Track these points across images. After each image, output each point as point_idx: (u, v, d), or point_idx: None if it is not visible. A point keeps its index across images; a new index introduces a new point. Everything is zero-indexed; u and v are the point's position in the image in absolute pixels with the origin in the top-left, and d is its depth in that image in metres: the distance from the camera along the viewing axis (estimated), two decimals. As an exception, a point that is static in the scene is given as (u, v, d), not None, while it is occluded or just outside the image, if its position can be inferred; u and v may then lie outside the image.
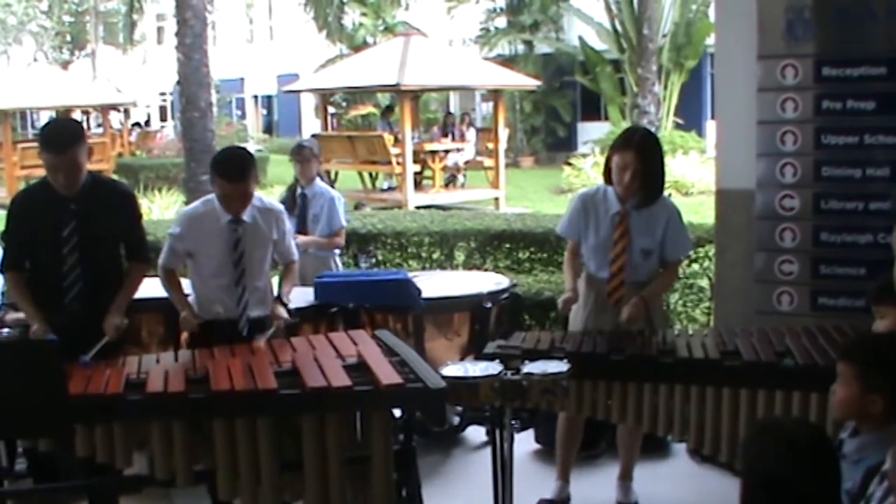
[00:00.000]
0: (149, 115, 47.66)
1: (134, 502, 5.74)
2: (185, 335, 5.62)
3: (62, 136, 5.09)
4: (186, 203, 16.21)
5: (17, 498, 5.87)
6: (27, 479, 5.65)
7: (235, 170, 5.31)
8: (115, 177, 25.25)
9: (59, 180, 5.03)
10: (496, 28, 33.33)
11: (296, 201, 7.49)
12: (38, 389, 3.78)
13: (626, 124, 25.61)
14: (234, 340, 5.12)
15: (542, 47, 32.55)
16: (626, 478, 5.84)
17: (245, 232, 5.36)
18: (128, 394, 4.36)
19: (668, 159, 22.67)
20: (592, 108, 32.06)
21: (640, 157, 5.39)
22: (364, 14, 35.14)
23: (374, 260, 7.59)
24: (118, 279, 5.29)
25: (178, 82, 16.53)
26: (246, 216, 5.35)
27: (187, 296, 5.52)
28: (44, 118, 40.01)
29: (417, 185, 21.87)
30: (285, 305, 5.46)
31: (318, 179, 7.61)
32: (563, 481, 5.84)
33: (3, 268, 5.34)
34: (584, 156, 24.81)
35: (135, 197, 5.53)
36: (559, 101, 32.34)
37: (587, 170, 21.94)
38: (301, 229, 7.40)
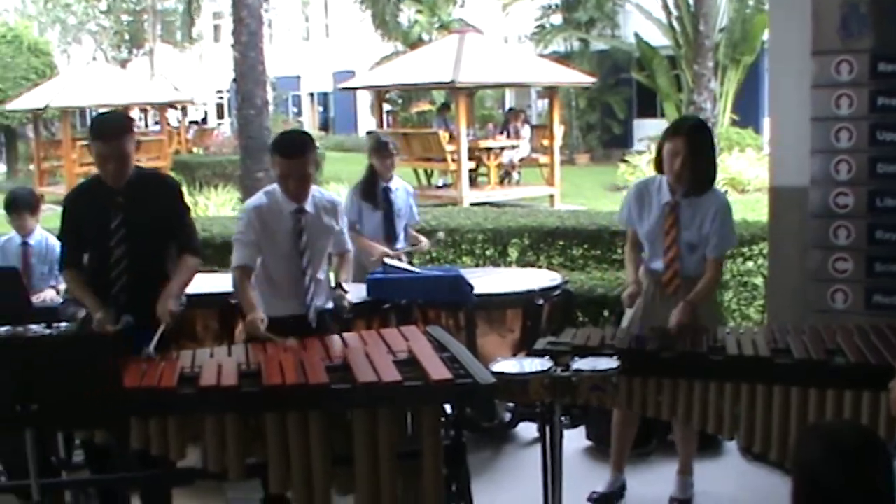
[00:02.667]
0: (206, 113, 48.03)
1: (186, 495, 5.83)
2: (239, 330, 5.66)
3: (111, 125, 5.20)
4: (242, 200, 16.33)
5: (74, 488, 5.97)
6: (84, 470, 5.74)
7: (293, 146, 5.38)
8: (172, 174, 25.58)
9: (108, 169, 5.11)
10: (551, 25, 33.19)
11: (377, 195, 7.54)
12: (94, 382, 3.84)
13: (682, 121, 25.46)
14: (304, 334, 5.15)
15: (597, 44, 32.39)
16: (684, 472, 5.83)
17: (308, 222, 5.42)
18: (181, 388, 4.42)
19: (724, 156, 22.71)
20: (648, 105, 31.87)
21: (690, 144, 5.39)
22: (420, 11, 35.17)
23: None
24: (164, 272, 5.31)
25: (235, 80, 16.65)
26: (308, 206, 5.41)
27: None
28: (103, 116, 40.50)
29: (472, 182, 21.87)
30: (346, 292, 5.52)
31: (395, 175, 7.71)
32: (618, 472, 5.90)
33: (62, 265, 5.44)
34: (640, 153, 24.68)
35: (180, 188, 5.56)
36: (615, 98, 32.19)
37: (643, 167, 21.80)
38: (388, 223, 7.51)
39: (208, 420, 4.37)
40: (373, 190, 7.53)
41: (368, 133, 24.76)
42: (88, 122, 40.93)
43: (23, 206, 6.98)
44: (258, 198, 5.60)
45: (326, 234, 5.55)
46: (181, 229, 5.40)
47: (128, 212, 5.16)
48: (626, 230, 5.90)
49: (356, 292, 6.49)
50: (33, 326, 5.88)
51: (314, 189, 5.52)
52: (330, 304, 5.54)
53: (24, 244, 7.02)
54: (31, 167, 27.96)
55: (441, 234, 7.73)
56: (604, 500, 5.81)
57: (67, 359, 3.85)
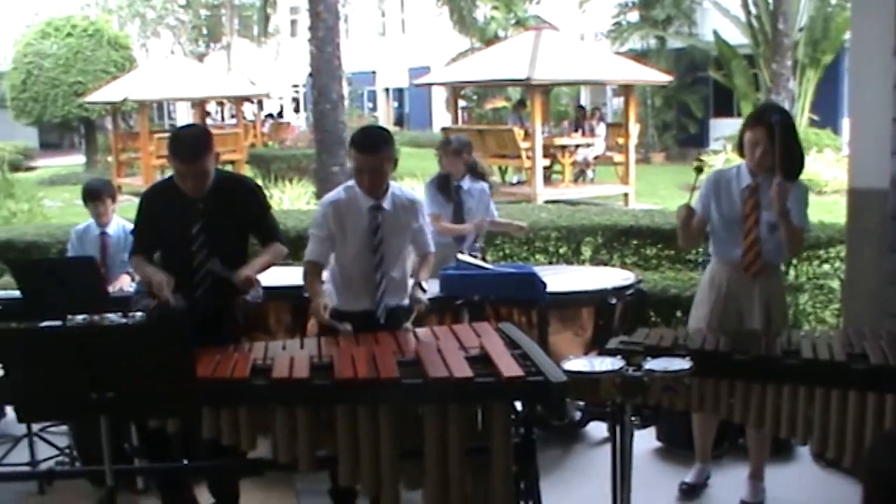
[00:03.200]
0: (281, 107, 48.38)
1: (256, 486, 5.89)
2: (311, 323, 5.69)
3: (192, 144, 5.16)
4: (317, 194, 16.42)
5: (146, 475, 6.06)
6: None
7: (369, 141, 5.38)
8: (247, 167, 25.84)
9: (187, 186, 5.16)
10: (628, 22, 33.01)
11: (450, 192, 7.55)
12: (167, 372, 3.88)
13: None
14: (372, 330, 5.17)
15: (674, 42, 32.15)
16: (756, 477, 5.79)
17: (385, 219, 5.40)
18: (253, 379, 4.46)
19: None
20: (725, 104, 31.55)
21: (771, 135, 5.39)
22: (496, 8, 35.15)
23: (480, 248, 7.62)
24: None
25: (311, 74, 16.74)
26: (386, 204, 5.40)
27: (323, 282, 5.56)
28: (180, 109, 41.03)
29: (547, 180, 21.81)
30: (424, 290, 5.47)
31: (469, 174, 7.62)
32: (703, 463, 5.94)
33: (131, 253, 5.54)
34: (716, 152, 24.47)
35: (260, 189, 5.61)
36: (691, 97, 31.93)
37: (719, 167, 21.58)
38: (457, 220, 7.50)
39: (279, 411, 4.40)
40: (446, 185, 7.55)
41: (443, 129, 24.75)
42: (166, 115, 41.41)
43: (101, 196, 7.08)
44: (336, 193, 5.61)
45: (403, 233, 5.52)
46: (265, 226, 5.49)
47: (208, 218, 5.22)
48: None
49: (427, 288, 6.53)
50: (109, 315, 5.97)
51: (395, 187, 5.52)
52: (405, 302, 5.53)
53: (102, 233, 7.13)
54: (110, 158, 28.34)
55: (480, 243, 7.72)
56: (692, 491, 5.88)
57: (142, 348, 3.90)
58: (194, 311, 5.13)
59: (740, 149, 5.65)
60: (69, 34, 29.89)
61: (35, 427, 6.48)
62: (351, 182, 5.50)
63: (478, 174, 7.68)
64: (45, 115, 29.99)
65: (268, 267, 5.44)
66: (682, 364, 4.50)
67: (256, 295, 5.40)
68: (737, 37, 28.94)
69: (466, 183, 7.55)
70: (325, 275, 5.62)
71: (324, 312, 5.18)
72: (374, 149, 5.33)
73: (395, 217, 5.43)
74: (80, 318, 5.90)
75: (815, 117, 27.87)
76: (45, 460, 6.42)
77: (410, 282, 5.57)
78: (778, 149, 5.37)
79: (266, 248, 5.47)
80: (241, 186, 5.54)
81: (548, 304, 6.36)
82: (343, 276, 5.52)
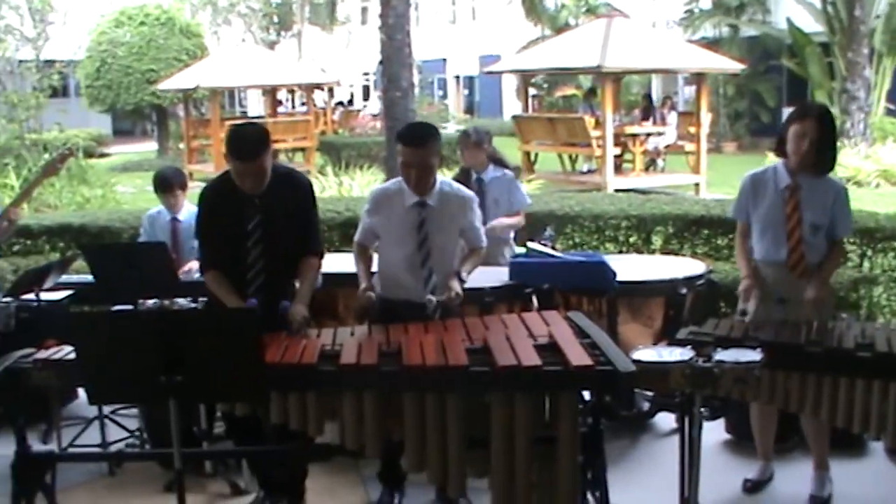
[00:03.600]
0: (352, 95, 48.54)
1: (323, 471, 5.93)
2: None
3: (250, 144, 5.14)
4: (386, 181, 16.45)
5: (214, 458, 6.12)
6: (225, 441, 5.86)
7: (414, 135, 5.39)
8: (317, 154, 25.97)
9: (245, 184, 5.17)
10: (700, 10, 32.66)
11: (471, 187, 7.49)
12: (236, 356, 3.90)
13: (834, 110, 24.82)
14: (413, 321, 5.15)
15: (747, 30, 31.74)
16: (821, 467, 5.72)
17: (429, 215, 5.40)
18: (321, 364, 4.49)
19: (877, 146, 22.05)
20: (799, 93, 31.05)
21: (819, 127, 5.39)
22: (567, -5, 35.01)
23: (551, 237, 7.55)
24: (295, 269, 5.40)
25: (381, 62, 16.73)
26: (432, 200, 5.40)
27: (373, 273, 5.60)
28: (251, 97, 41.32)
29: (617, 169, 21.65)
30: (462, 281, 5.42)
31: (491, 164, 7.48)
32: (765, 461, 5.90)
33: (202, 268, 5.55)
34: (789, 142, 24.13)
35: (311, 187, 5.60)
36: (764, 86, 31.52)
37: (792, 156, 21.32)
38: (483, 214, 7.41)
39: (347, 397, 4.42)
40: (467, 181, 7.48)
41: (513, 117, 24.69)
42: (237, 102, 41.67)
43: (172, 185, 7.15)
44: (389, 183, 5.69)
45: (451, 230, 5.51)
46: (309, 229, 5.47)
47: (265, 213, 5.24)
48: (738, 223, 5.83)
49: (496, 276, 6.52)
50: (180, 300, 6.03)
51: (446, 182, 5.53)
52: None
53: (174, 219, 7.18)
54: (181, 146, 28.59)
55: (550, 231, 7.63)
56: (755, 488, 5.82)
57: (212, 332, 3.92)
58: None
59: (778, 147, 5.58)
60: (142, 23, 30.18)
61: (106, 409, 6.57)
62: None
63: (500, 164, 7.59)
64: (118, 102, 30.31)
65: (313, 290, 5.42)
66: (752, 356, 4.45)
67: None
68: (811, 24, 28.49)
69: (488, 174, 7.40)
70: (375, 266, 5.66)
71: (366, 297, 5.27)
72: (420, 143, 5.33)
73: (441, 213, 5.42)
74: (150, 302, 5.97)
75: (892, 106, 27.42)
76: (115, 442, 6.51)
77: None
78: (819, 141, 5.38)
79: (304, 270, 5.40)
80: (297, 182, 5.51)
81: (617, 293, 6.33)
82: (389, 268, 5.55)
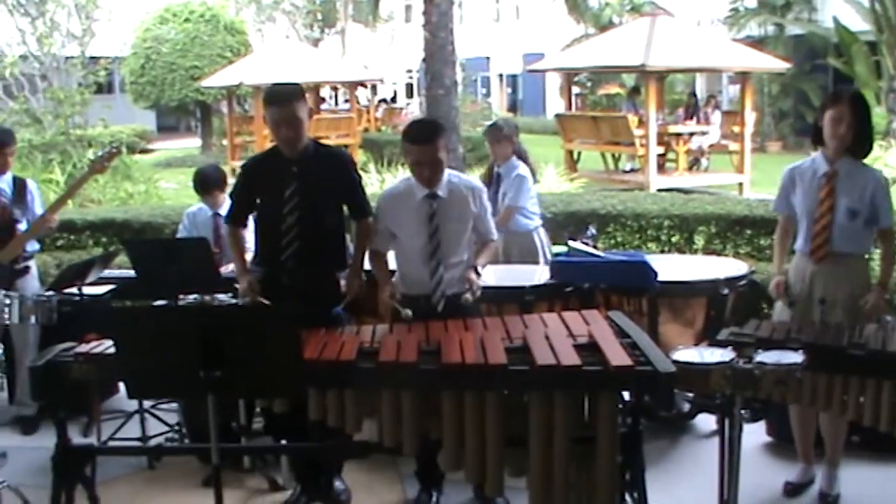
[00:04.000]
0: (395, 92, 48.60)
1: (361, 468, 5.93)
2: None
3: (284, 91, 5.40)
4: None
5: (252, 454, 6.14)
6: (264, 437, 5.88)
7: (422, 133, 5.46)
8: (360, 151, 26.03)
9: (281, 134, 5.33)
10: (746, 8, 32.42)
11: (492, 179, 7.60)
12: (274, 352, 3.90)
13: (880, 110, 24.60)
14: (429, 317, 5.19)
15: (793, 28, 31.45)
16: (833, 465, 5.73)
17: (440, 206, 5.46)
18: (360, 361, 4.48)
19: (923, 147, 21.72)
20: (845, 93, 30.83)
21: (853, 109, 5.42)
22: (611, -7, 34.88)
23: (592, 236, 7.53)
24: (335, 241, 5.57)
25: (424, 60, 16.74)
26: (441, 191, 5.46)
27: (392, 273, 5.66)
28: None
29: (660, 168, 21.55)
30: (479, 274, 5.47)
31: (514, 158, 7.68)
32: (806, 464, 5.85)
33: (227, 219, 5.78)
34: (835, 142, 23.90)
35: (353, 161, 5.76)
36: (809, 85, 31.22)
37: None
38: (494, 205, 7.43)
39: (385, 395, 4.42)
40: (488, 174, 7.68)
41: (556, 116, 24.63)
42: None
43: (213, 185, 7.21)
44: (395, 184, 5.81)
45: (461, 220, 5.55)
46: (356, 199, 5.62)
47: (302, 181, 5.37)
48: (780, 217, 5.88)
49: (537, 274, 6.51)
50: (220, 296, 6.06)
51: (451, 174, 5.57)
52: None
53: (216, 214, 7.21)
54: (225, 142, 28.73)
55: (592, 230, 7.62)
56: (795, 491, 5.79)
57: (251, 328, 3.93)
58: (281, 276, 5.36)
59: (815, 136, 5.60)
60: (187, 19, 30.35)
61: (146, 404, 6.62)
62: (410, 176, 5.57)
63: (522, 159, 7.74)
64: (162, 98, 30.49)
65: (364, 254, 5.62)
66: (794, 357, 4.41)
67: (348, 299, 5.52)
68: (858, 23, 28.18)
69: (506, 168, 7.63)
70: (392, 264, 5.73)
71: (392, 300, 5.32)
72: (428, 139, 5.39)
73: (450, 203, 5.48)
74: (191, 297, 6.01)
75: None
76: (155, 436, 6.55)
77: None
78: (855, 123, 5.41)
79: (359, 233, 5.66)
80: (337, 156, 5.72)
81: (658, 293, 6.29)
82: (405, 261, 5.61)
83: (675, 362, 4.39)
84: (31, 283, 7.18)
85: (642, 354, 4.38)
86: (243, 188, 5.65)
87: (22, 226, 7.07)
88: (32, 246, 7.27)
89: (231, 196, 5.89)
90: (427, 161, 5.37)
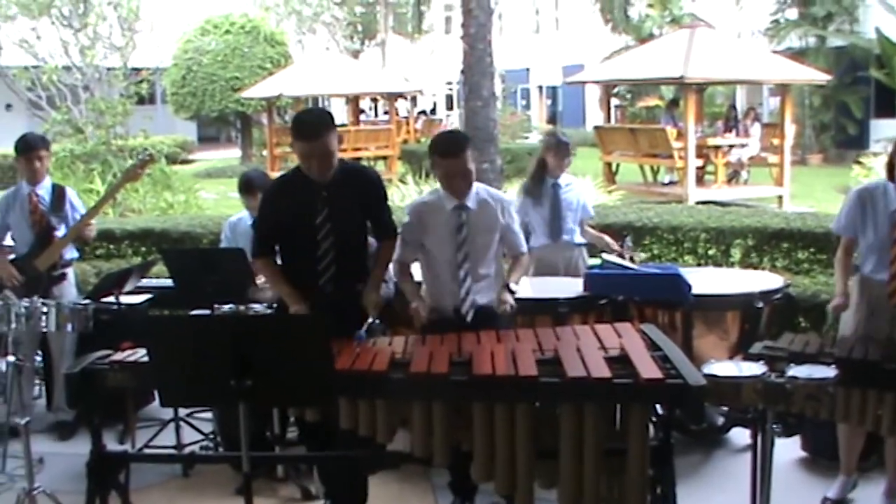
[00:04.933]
0: (434, 104, 48.69)
1: (392, 479, 5.95)
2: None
3: (314, 124, 5.23)
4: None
5: (284, 463, 6.17)
6: (297, 446, 5.91)
7: (451, 146, 5.47)
8: (399, 162, 26.10)
9: (312, 167, 5.21)
10: (787, 20, 32.22)
11: (543, 191, 7.52)
12: (306, 362, 3.93)
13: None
14: (459, 328, 5.20)
15: (834, 40, 31.22)
16: (892, 496, 5.62)
17: (469, 217, 5.48)
18: (392, 372, 4.50)
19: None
20: (887, 105, 30.51)
21: None
22: (651, 5, 34.76)
23: (630, 247, 7.53)
24: (364, 257, 5.51)
25: (463, 71, 16.76)
26: (470, 203, 5.48)
27: (419, 284, 5.68)
28: (335, 105, 41.60)
29: (699, 181, 21.49)
30: (512, 293, 5.48)
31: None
32: (847, 476, 5.78)
33: (254, 255, 5.62)
34: (876, 154, 23.63)
35: (381, 180, 5.68)
36: (851, 97, 30.99)
37: (878, 169, 20.92)
38: (554, 219, 7.43)
39: (416, 406, 4.43)
40: (539, 186, 7.51)
41: (595, 128, 24.60)
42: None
43: (257, 187, 7.21)
44: (422, 197, 5.85)
45: (489, 231, 5.58)
46: (381, 218, 5.56)
47: (333, 206, 5.29)
48: (842, 238, 5.75)
49: (571, 287, 6.51)
50: (255, 306, 6.10)
51: (480, 186, 5.61)
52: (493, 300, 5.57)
53: (255, 224, 7.25)
54: (265, 153, 28.92)
55: (629, 241, 7.59)
56: None
57: (282, 337, 3.95)
58: (319, 302, 5.21)
59: (890, 171, 5.43)
60: (227, 31, 30.59)
61: (181, 412, 6.66)
62: (438, 187, 5.61)
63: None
64: (202, 109, 30.72)
65: (385, 273, 5.59)
66: (826, 372, 4.40)
67: (388, 291, 5.47)
68: (902, 35, 27.99)
69: (563, 180, 7.55)
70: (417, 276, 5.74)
71: (422, 313, 5.33)
72: (461, 151, 5.42)
73: (479, 215, 5.51)
74: (226, 307, 6.04)
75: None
76: (189, 445, 6.60)
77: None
78: None
79: (381, 253, 5.58)
80: (364, 174, 5.63)
81: (692, 305, 6.28)
82: (433, 273, 5.63)
83: (707, 376, 4.39)
84: (69, 291, 7.26)
85: (673, 367, 4.37)
86: (269, 215, 5.47)
87: (59, 233, 7.16)
88: (71, 254, 7.36)
89: (254, 227, 5.76)
90: (457, 173, 5.41)
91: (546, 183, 7.49)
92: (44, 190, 7.22)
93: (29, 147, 7.17)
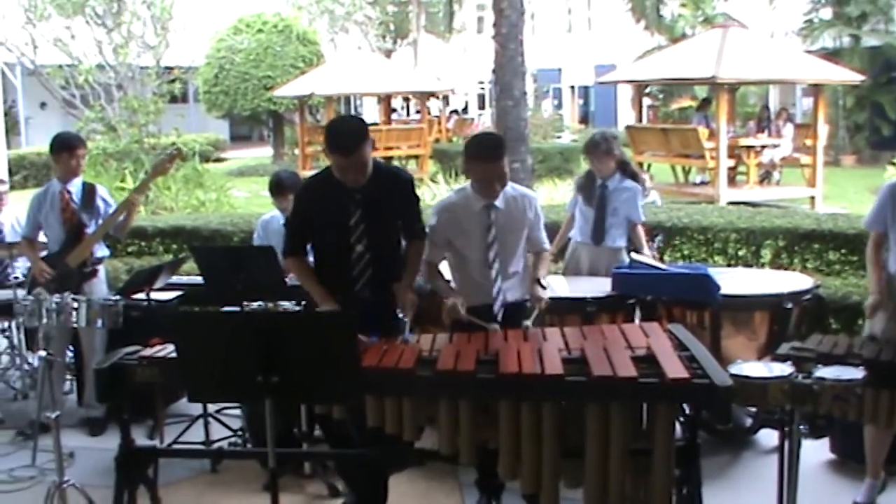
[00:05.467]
0: (466, 103, 48.67)
1: (419, 476, 5.96)
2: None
3: (349, 137, 5.19)
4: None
5: (311, 460, 6.19)
6: (325, 444, 5.92)
7: (486, 150, 5.46)
8: (430, 161, 26.12)
9: (348, 178, 5.21)
10: (820, 20, 32.02)
11: (593, 192, 7.46)
12: (333, 359, 3.95)
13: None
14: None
15: (869, 40, 31.00)
16: (875, 476, 5.68)
17: (498, 216, 5.50)
18: (418, 370, 4.52)
19: None
20: (922, 106, 30.38)
21: None
22: (683, 5, 34.61)
23: (659, 246, 7.51)
24: (398, 259, 5.51)
25: (494, 71, 16.77)
26: (499, 202, 5.49)
27: (448, 282, 5.69)
28: (367, 104, 41.67)
29: (731, 181, 21.38)
30: (544, 287, 5.50)
31: (618, 173, 7.43)
32: (874, 479, 5.73)
33: (285, 253, 5.61)
34: (911, 156, 23.58)
35: (413, 181, 5.65)
36: (886, 98, 30.76)
37: (912, 171, 20.83)
38: (597, 220, 7.37)
39: (443, 403, 4.44)
40: (589, 186, 7.47)
41: (626, 128, 24.54)
42: (352, 109, 42.22)
43: (288, 188, 7.25)
44: (450, 197, 5.81)
45: (517, 229, 5.60)
46: (411, 219, 5.54)
47: (366, 208, 5.29)
48: (872, 233, 5.74)
49: (600, 286, 6.51)
50: (284, 303, 6.12)
51: (508, 184, 5.59)
52: (526, 298, 5.60)
53: (287, 223, 7.29)
54: (296, 151, 29.00)
55: (659, 241, 7.54)
56: None
57: (310, 335, 3.97)
58: (355, 305, 5.17)
59: None
60: (260, 30, 30.70)
61: (210, 408, 6.70)
62: (464, 185, 5.64)
63: (628, 173, 7.53)
64: (235, 108, 30.84)
65: (417, 273, 5.56)
66: (854, 373, 4.38)
67: (421, 286, 5.47)
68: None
69: (613, 182, 7.39)
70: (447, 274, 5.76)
71: (461, 309, 5.30)
72: (497, 156, 5.41)
73: (507, 213, 5.53)
74: (255, 304, 6.07)
75: None
76: (218, 441, 6.65)
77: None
78: None
79: (410, 254, 5.55)
80: (398, 176, 5.63)
81: (721, 306, 6.27)
82: (463, 271, 5.64)
83: (734, 376, 4.38)
84: (99, 287, 7.32)
85: (700, 367, 4.37)
86: (301, 215, 5.49)
87: (90, 230, 7.21)
88: (102, 251, 7.42)
89: (286, 225, 5.77)
90: (492, 178, 5.40)
91: (595, 183, 7.45)
92: (75, 187, 7.28)
93: (70, 145, 7.24)
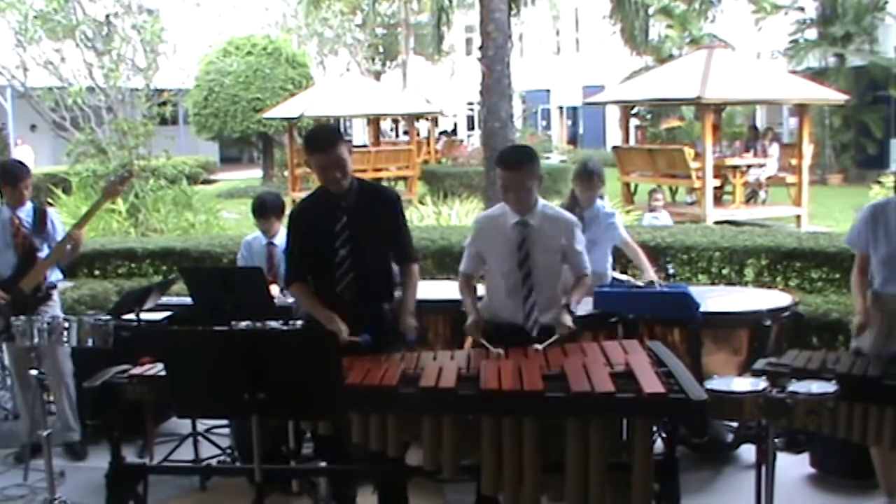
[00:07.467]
0: (455, 125, 48.80)
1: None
2: (469, 340, 5.77)
3: (324, 136, 5.49)
4: (484, 210, 16.50)
5: (298, 477, 6.25)
6: (313, 461, 6.00)
7: (512, 159, 5.54)
8: (419, 183, 26.20)
9: (330, 177, 5.38)
10: (806, 40, 32.27)
11: (575, 216, 7.40)
12: (317, 376, 4.05)
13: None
14: (512, 344, 5.22)
15: (854, 59, 31.23)
16: (892, 495, 5.67)
17: (530, 234, 5.50)
18: (401, 387, 4.61)
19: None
20: (907, 125, 30.58)
21: None
22: (670, 26, 34.84)
23: (672, 273, 7.58)
24: (385, 274, 5.60)
25: (481, 92, 16.87)
26: (533, 220, 5.51)
27: (480, 298, 5.73)
28: (356, 126, 41.74)
29: (717, 201, 21.52)
30: (572, 314, 5.43)
31: (598, 201, 7.40)
32: (890, 497, 5.73)
33: (287, 281, 5.74)
34: (896, 174, 23.74)
35: (399, 199, 5.76)
36: (871, 117, 30.97)
37: (897, 190, 20.86)
38: None
39: (426, 420, 4.54)
40: (572, 209, 7.24)
41: (613, 148, 24.66)
42: (342, 131, 42.32)
43: (271, 210, 7.36)
44: (492, 209, 5.83)
45: (552, 250, 5.57)
46: (400, 242, 5.66)
47: (352, 214, 5.44)
48: (856, 254, 5.82)
49: (582, 305, 6.58)
50: (271, 323, 6.20)
51: (545, 204, 5.63)
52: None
53: (270, 244, 7.40)
54: (286, 173, 29.09)
55: (672, 269, 7.60)
56: None
57: (294, 352, 4.07)
58: (340, 306, 5.35)
59: None
60: (249, 52, 30.85)
61: (200, 427, 6.77)
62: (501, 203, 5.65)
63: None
64: (224, 130, 30.96)
65: (416, 296, 5.63)
66: (826, 387, 4.47)
67: (412, 337, 5.53)
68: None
69: (591, 213, 7.26)
70: (481, 289, 5.77)
71: (476, 332, 5.34)
72: (518, 165, 5.47)
73: (541, 233, 5.51)
74: (243, 324, 6.16)
75: None
76: (207, 459, 6.71)
77: None
78: None
79: (407, 278, 5.64)
80: (384, 193, 5.76)
81: (701, 323, 6.36)
82: (495, 287, 5.65)
83: (710, 391, 4.47)
84: (54, 310, 7.24)
85: (676, 382, 4.48)
86: (297, 237, 5.62)
87: (43, 254, 7.16)
88: (56, 275, 7.37)
89: (286, 253, 5.87)
90: (513, 187, 5.45)
91: (576, 207, 7.31)
92: (25, 212, 7.20)
93: (15, 178, 7.11)
